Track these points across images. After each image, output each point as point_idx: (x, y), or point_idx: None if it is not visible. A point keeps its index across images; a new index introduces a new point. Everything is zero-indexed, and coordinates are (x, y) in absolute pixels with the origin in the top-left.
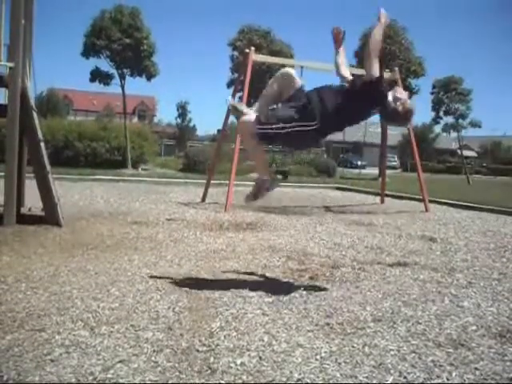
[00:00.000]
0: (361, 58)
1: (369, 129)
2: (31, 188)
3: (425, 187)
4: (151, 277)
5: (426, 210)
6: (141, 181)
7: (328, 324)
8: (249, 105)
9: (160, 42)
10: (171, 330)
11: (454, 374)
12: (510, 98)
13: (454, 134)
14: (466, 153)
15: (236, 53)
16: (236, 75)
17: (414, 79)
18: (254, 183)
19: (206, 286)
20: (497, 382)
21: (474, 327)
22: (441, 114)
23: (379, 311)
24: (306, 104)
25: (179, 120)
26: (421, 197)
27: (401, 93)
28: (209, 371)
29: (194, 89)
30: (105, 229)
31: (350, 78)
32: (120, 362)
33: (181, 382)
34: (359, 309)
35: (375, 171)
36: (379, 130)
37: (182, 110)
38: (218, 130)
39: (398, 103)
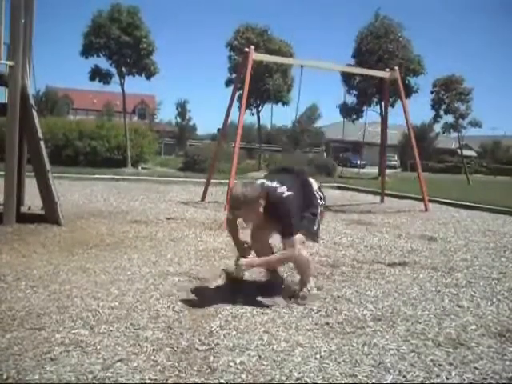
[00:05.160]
0: (358, 59)
1: (368, 128)
2: (31, 187)
3: (425, 187)
4: (151, 276)
5: (426, 210)
6: (141, 180)
7: (327, 323)
8: (248, 103)
9: (159, 42)
10: (171, 329)
11: (453, 374)
12: (510, 98)
13: (453, 134)
14: (466, 152)
15: (233, 53)
16: (234, 75)
17: (414, 77)
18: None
19: (206, 285)
20: (496, 381)
21: (474, 326)
22: (441, 113)
23: (379, 310)
24: None
25: (179, 119)
26: (421, 196)
27: None
28: (208, 370)
29: (193, 88)
30: (104, 228)
31: None
32: (119, 360)
33: (180, 381)
34: (359, 308)
35: (375, 170)
36: (379, 129)
37: (182, 109)
38: (218, 129)
39: None
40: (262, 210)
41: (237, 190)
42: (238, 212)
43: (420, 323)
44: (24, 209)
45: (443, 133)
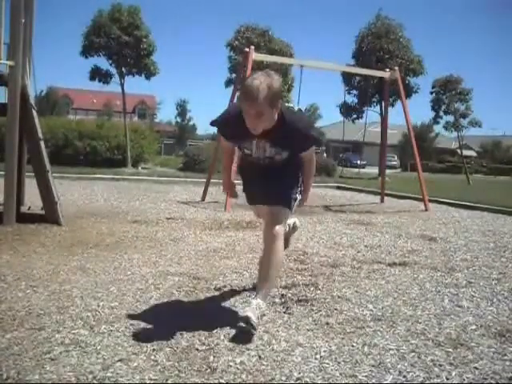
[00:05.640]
0: (359, 59)
1: (368, 128)
2: (31, 187)
3: (424, 186)
4: (151, 276)
5: (426, 210)
6: (141, 180)
7: (327, 323)
8: None
9: (159, 41)
10: (171, 329)
11: (453, 374)
12: (510, 98)
13: (453, 134)
14: (466, 152)
15: (233, 53)
16: (234, 75)
17: (414, 78)
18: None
19: (206, 285)
20: (496, 381)
21: (474, 327)
22: (441, 113)
23: (379, 310)
24: None
25: (179, 119)
26: (420, 196)
27: None
28: (208, 370)
29: (193, 88)
30: (104, 228)
31: None
32: (119, 360)
33: (180, 380)
34: (359, 308)
35: (375, 170)
36: (379, 129)
37: (182, 109)
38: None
39: None
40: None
41: (259, 81)
42: (254, 110)
43: (420, 323)
44: (24, 209)
45: (446, 129)
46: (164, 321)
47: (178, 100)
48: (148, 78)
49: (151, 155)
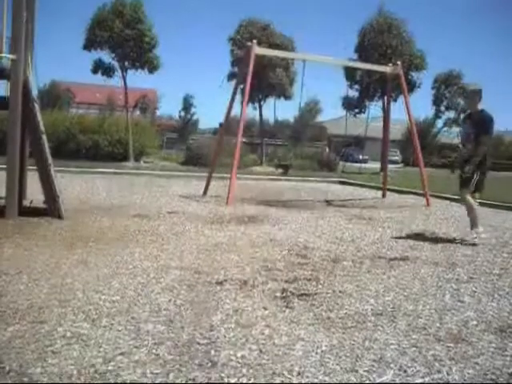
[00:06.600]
0: (361, 53)
1: (370, 123)
2: (33, 181)
3: (426, 182)
4: (152, 269)
5: (428, 205)
6: (142, 174)
7: (329, 318)
8: (251, 97)
9: (162, 35)
10: (172, 323)
11: (454, 369)
12: (510, 94)
13: (455, 129)
14: None
15: (235, 47)
16: (236, 69)
17: (416, 73)
18: None
19: (207, 279)
20: (497, 376)
21: (475, 322)
22: (442, 109)
23: (380, 305)
24: None
25: (182, 113)
26: (422, 192)
27: None
28: (209, 364)
29: (195, 82)
30: (106, 222)
31: None
32: (121, 354)
33: (181, 374)
34: (360, 303)
35: (377, 165)
36: (381, 124)
37: (186, 104)
38: (220, 124)
39: None
40: None
41: None
42: None
43: (421, 318)
44: (26, 203)
45: (445, 132)
46: (165, 315)
47: (183, 94)
48: (151, 71)
49: (153, 149)
